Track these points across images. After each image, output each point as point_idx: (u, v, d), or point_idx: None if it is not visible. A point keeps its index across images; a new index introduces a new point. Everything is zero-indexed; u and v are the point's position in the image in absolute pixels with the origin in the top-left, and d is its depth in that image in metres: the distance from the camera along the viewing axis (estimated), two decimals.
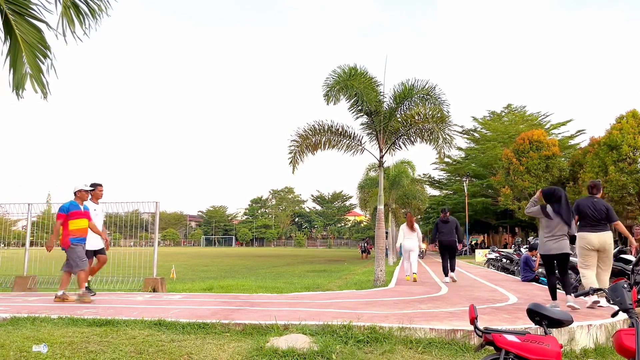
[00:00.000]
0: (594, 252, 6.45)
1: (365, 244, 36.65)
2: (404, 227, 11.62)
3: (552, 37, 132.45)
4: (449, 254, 11.12)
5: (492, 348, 2.78)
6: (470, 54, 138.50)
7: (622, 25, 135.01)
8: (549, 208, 6.40)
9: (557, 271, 6.56)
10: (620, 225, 6.81)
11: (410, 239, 11.35)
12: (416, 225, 11.50)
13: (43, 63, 4.67)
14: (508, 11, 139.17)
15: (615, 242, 18.49)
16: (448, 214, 11.25)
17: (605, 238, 6.49)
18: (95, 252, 8.11)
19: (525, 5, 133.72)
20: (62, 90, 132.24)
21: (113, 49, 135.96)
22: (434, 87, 10.95)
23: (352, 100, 11.06)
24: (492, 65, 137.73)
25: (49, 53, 4.67)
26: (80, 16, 4.58)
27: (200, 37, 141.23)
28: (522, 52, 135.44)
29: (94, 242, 7.93)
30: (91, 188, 7.98)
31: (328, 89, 10.83)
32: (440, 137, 10.85)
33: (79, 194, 7.72)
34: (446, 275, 11.15)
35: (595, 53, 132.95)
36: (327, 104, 10.79)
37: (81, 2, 4.60)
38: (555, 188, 6.53)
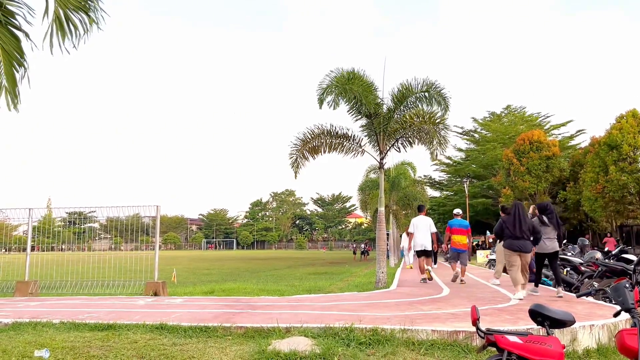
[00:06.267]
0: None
1: (355, 246, 37.76)
2: (404, 235, 17.06)
3: (552, 38, 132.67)
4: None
5: (494, 349, 2.77)
6: (469, 55, 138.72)
7: (621, 26, 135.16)
8: (544, 218, 8.28)
9: (549, 265, 8.74)
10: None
11: (407, 242, 16.24)
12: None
13: (17, 71, 4.67)
14: (507, 12, 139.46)
15: (617, 241, 18.49)
16: None
17: None
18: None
19: (524, 6, 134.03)
20: (60, 92, 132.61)
21: (112, 52, 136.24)
22: (434, 83, 10.82)
23: (352, 103, 11.00)
24: (491, 66, 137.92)
25: (24, 62, 4.68)
26: (70, 29, 4.57)
27: (201, 40, 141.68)
28: (521, 53, 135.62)
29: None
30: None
31: (322, 91, 10.60)
32: (435, 138, 10.86)
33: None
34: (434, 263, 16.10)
35: (595, 53, 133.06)
36: (320, 107, 10.59)
37: (73, 13, 4.58)
38: (547, 203, 8.61)
